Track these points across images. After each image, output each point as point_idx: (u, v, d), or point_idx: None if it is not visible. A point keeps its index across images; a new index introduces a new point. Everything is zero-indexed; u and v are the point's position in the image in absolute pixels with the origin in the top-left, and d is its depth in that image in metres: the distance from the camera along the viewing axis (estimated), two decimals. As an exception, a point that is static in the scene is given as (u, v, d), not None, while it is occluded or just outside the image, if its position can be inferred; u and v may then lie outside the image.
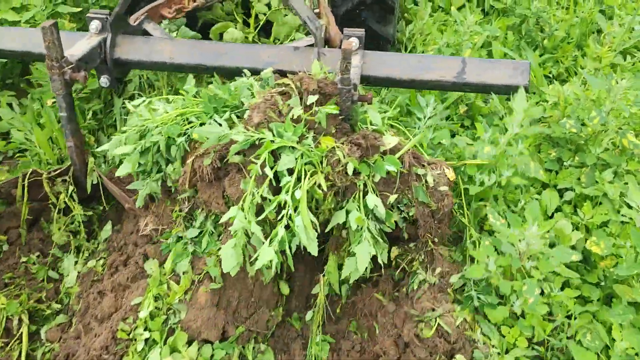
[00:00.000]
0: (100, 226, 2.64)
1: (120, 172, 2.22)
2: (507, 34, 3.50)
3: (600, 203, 2.53)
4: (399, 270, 2.28)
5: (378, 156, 2.06)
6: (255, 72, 2.46)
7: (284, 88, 2.13)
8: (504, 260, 2.02)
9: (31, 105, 2.95)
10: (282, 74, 2.40)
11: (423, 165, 2.17)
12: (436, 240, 2.22)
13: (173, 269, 2.16)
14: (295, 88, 2.11)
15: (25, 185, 2.44)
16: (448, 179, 2.18)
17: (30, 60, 2.98)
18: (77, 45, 2.47)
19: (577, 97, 2.65)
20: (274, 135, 1.98)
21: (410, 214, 2.13)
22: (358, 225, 1.97)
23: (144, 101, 2.34)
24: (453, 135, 2.99)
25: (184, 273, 2.14)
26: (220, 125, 2.07)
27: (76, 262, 2.52)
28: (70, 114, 2.42)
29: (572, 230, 2.36)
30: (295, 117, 2.00)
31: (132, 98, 3.28)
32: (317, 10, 2.85)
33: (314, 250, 1.88)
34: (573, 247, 2.32)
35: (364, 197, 2.02)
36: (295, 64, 2.49)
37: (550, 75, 3.40)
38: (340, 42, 2.59)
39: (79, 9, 3.13)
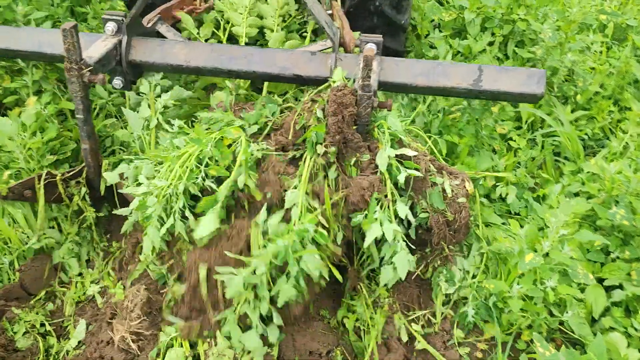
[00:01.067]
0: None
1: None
2: (535, 87, 3.14)
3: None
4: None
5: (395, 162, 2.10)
6: (273, 77, 2.50)
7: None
8: (557, 407, 1.66)
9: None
10: (299, 79, 2.47)
11: (441, 173, 2.18)
12: (451, 247, 2.28)
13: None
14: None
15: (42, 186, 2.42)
16: (467, 190, 2.17)
17: (44, 61, 2.84)
18: (93, 47, 2.39)
19: (626, 179, 2.29)
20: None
21: (423, 216, 2.17)
22: (395, 237, 2.00)
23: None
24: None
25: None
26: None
27: (43, 373, 2.16)
28: (86, 117, 2.37)
29: (627, 346, 2.01)
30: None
31: (113, 153, 2.94)
32: (330, 12, 2.83)
33: (337, 274, 1.94)
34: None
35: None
36: (311, 69, 2.46)
37: (586, 137, 3.04)
38: (355, 47, 2.58)
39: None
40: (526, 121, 3.07)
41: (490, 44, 3.63)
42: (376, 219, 1.97)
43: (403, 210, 2.03)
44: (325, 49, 2.56)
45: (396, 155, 2.10)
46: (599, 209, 2.32)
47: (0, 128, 2.50)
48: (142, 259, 2.29)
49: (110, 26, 2.46)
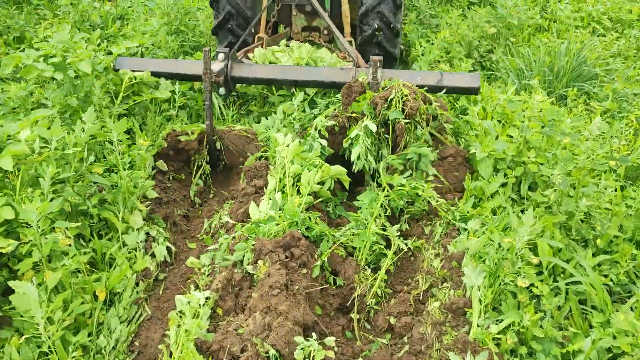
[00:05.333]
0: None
1: None
2: (553, 232, 3.11)
3: None
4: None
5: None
6: (319, 84, 4.28)
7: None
8: None
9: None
10: (335, 84, 4.20)
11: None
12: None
13: None
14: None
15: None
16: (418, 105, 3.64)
17: (182, 79, 4.52)
18: (214, 65, 4.15)
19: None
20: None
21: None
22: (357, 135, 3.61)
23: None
24: None
25: None
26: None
27: None
28: (210, 103, 4.07)
29: None
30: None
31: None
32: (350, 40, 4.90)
33: None
34: None
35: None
36: (342, 77, 4.18)
37: (611, 283, 2.94)
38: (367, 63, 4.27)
39: (77, 224, 2.85)
40: (547, 267, 3.00)
41: (503, 185, 3.66)
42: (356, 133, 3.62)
43: (372, 125, 3.55)
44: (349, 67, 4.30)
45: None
46: (635, 372, 2.18)
47: (25, 292, 2.49)
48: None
49: (221, 56, 4.21)
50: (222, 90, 4.19)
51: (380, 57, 3.85)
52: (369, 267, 3.27)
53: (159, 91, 4.05)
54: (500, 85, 5.15)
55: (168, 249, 3.47)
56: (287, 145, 3.59)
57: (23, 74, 3.59)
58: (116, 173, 3.45)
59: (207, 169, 4.21)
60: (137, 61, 4.42)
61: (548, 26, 6.57)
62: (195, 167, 4.19)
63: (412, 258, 3.45)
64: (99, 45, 5.61)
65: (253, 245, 2.90)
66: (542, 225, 3.10)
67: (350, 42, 4.64)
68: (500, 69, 5.53)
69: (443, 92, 4.01)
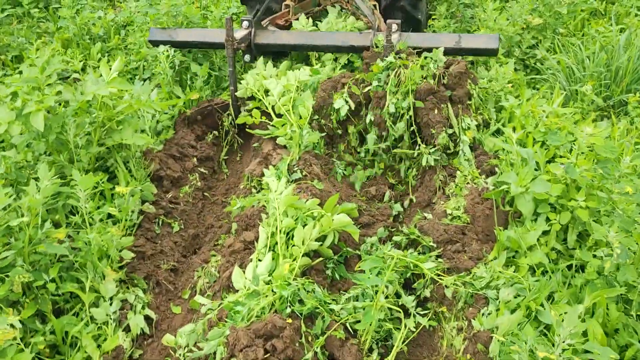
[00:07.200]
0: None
1: None
2: (607, 308, 2.45)
3: None
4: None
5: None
6: (338, 48, 4.39)
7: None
8: None
9: None
10: (353, 48, 4.34)
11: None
12: None
13: None
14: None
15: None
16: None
17: (209, 48, 4.76)
18: (237, 33, 4.27)
19: None
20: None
21: None
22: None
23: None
24: None
25: None
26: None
27: None
28: (233, 69, 4.23)
29: None
30: None
31: None
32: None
33: None
34: None
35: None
36: (360, 41, 4.29)
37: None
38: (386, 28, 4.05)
39: (16, 317, 2.42)
40: (599, 357, 2.35)
41: (545, 232, 2.99)
42: None
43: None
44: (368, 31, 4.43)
45: None
46: None
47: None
48: None
49: (245, 23, 4.38)
50: (247, 57, 4.40)
51: (398, 21, 4.01)
52: (376, 345, 2.71)
53: (137, 135, 3.51)
54: (546, 91, 4.38)
55: (147, 317, 3.01)
56: (280, 193, 3.05)
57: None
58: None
59: (232, 131, 4.41)
60: (168, 31, 4.70)
61: (605, 10, 5.65)
62: (224, 132, 4.43)
63: (431, 329, 2.87)
64: (99, 60, 5.21)
65: (227, 337, 2.39)
66: (594, 299, 2.45)
67: (374, 6, 4.72)
68: (546, 69, 4.73)
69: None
